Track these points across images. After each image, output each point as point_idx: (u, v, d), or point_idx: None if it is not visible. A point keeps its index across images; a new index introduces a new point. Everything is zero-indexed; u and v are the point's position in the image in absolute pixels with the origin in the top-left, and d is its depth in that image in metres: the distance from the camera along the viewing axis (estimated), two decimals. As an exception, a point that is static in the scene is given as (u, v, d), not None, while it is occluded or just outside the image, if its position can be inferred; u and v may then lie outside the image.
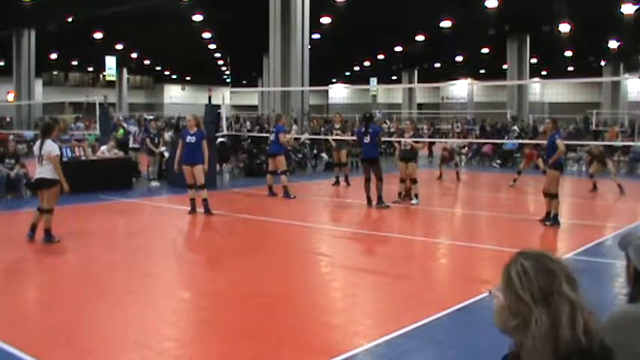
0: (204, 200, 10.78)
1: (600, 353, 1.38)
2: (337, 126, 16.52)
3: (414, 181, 12.18)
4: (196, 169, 10.75)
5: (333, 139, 15.85)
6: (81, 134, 19.70)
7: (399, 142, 12.79)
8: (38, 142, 8.29)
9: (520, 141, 19.81)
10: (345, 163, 15.61)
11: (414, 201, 12.12)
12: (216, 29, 30.90)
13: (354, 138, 13.71)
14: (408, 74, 47.70)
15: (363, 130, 11.87)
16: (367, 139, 11.69)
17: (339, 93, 59.11)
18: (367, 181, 11.79)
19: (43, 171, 8.16)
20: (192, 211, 10.85)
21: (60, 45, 34.89)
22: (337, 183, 15.30)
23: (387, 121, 33.76)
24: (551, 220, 9.79)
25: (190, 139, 10.82)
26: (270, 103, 22.91)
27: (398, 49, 37.34)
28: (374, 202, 11.68)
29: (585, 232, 9.88)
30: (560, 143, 9.77)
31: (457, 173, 16.92)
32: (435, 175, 17.20)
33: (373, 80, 45.87)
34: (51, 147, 8.15)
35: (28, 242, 8.23)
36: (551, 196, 9.78)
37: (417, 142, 12.54)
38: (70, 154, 13.58)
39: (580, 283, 1.46)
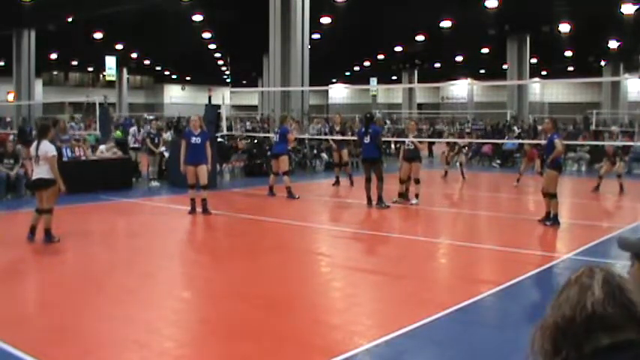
0: (204, 200, 10.79)
1: None
2: (337, 128, 16.59)
3: (417, 181, 12.13)
4: (200, 169, 10.78)
5: (333, 140, 15.89)
6: (77, 134, 19.60)
7: (403, 142, 12.79)
8: (35, 143, 8.32)
9: (520, 141, 19.82)
10: (346, 163, 15.63)
11: (413, 201, 12.10)
12: (216, 29, 30.90)
13: (355, 138, 13.73)
14: (408, 74, 47.71)
15: (364, 130, 11.89)
16: (367, 139, 11.70)
17: (339, 93, 59.10)
18: (368, 181, 11.79)
19: (40, 171, 8.16)
20: (193, 211, 10.86)
21: (60, 45, 34.89)
22: (337, 183, 15.30)
23: (387, 121, 33.75)
24: (551, 220, 9.78)
25: (195, 140, 10.84)
26: (270, 103, 22.91)
27: (398, 49, 37.34)
28: (374, 202, 11.69)
29: (585, 232, 9.87)
30: (558, 143, 9.76)
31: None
32: (434, 175, 17.22)
33: (373, 80, 45.86)
34: (47, 147, 8.16)
35: (28, 242, 8.22)
36: (551, 196, 9.77)
37: (420, 142, 12.51)
38: (70, 154, 13.57)
39: None
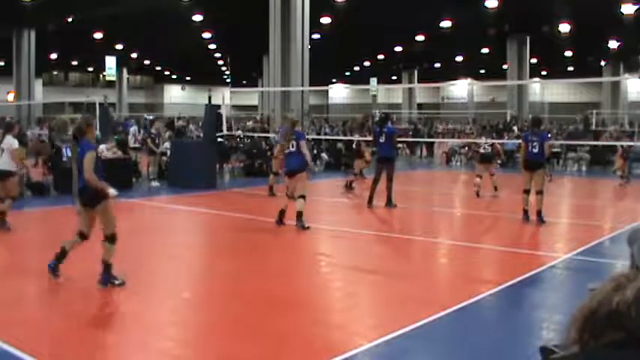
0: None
1: None
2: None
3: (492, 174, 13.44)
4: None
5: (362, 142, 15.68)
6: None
7: (477, 144, 14.13)
8: None
9: (520, 141, 19.79)
10: (346, 163, 15.65)
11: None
12: (216, 29, 30.89)
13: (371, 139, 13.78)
14: (408, 74, 47.66)
15: (379, 129, 11.92)
16: (383, 139, 11.71)
17: (339, 93, 59.05)
18: (376, 181, 11.75)
19: (1, 163, 9.03)
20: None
21: (60, 45, 34.86)
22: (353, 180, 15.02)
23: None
24: (539, 217, 10.01)
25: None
26: (270, 103, 22.89)
27: (398, 49, 37.32)
28: (374, 202, 11.68)
29: (585, 232, 9.88)
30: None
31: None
32: (435, 175, 17.22)
33: (373, 80, 45.81)
34: (12, 141, 9.18)
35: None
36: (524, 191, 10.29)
37: (494, 143, 13.77)
38: (69, 153, 13.55)
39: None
